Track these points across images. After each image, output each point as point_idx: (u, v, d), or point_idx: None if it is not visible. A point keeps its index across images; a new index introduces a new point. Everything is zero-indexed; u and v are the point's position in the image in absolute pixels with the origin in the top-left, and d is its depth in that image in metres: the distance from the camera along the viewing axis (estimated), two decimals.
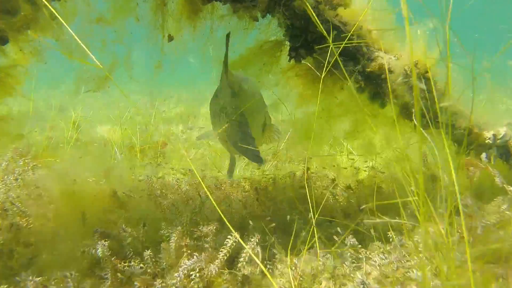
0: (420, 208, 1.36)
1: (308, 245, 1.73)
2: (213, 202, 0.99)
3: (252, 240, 1.71)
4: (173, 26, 2.02)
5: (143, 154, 3.75)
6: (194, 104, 7.24)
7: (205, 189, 1.14)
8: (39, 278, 1.51)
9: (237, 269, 1.69)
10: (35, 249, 1.94)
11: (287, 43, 2.04)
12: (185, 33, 2.08)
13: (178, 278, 1.52)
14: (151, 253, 1.67)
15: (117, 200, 2.45)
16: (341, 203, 2.57)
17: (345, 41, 1.78)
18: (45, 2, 1.27)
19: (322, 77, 1.62)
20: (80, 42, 1.02)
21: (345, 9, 1.85)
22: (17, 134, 2.00)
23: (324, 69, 1.69)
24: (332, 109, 2.60)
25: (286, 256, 1.90)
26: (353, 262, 1.85)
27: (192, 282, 1.54)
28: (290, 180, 2.67)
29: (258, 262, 1.32)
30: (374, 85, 2.12)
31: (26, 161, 2.84)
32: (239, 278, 1.65)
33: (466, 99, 2.22)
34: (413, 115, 2.20)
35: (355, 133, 2.69)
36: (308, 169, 2.73)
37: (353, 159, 2.74)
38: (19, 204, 2.16)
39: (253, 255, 1.43)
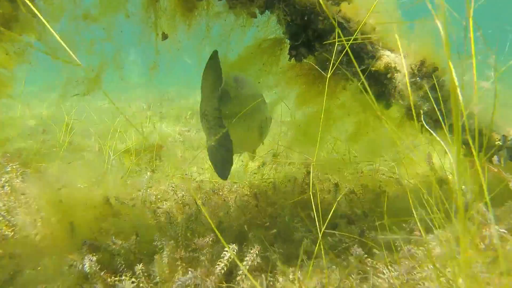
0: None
1: (313, 259, 1.62)
2: (207, 216, 0.88)
3: (252, 251, 1.60)
4: (166, 24, 1.91)
5: (138, 157, 3.63)
6: (193, 105, 7.12)
7: (197, 202, 1.02)
8: None
9: (236, 282, 1.58)
10: (20, 261, 1.82)
11: (287, 41, 1.93)
12: (180, 32, 1.98)
13: None
14: (143, 267, 1.56)
15: (110, 207, 2.33)
16: (345, 208, 2.46)
17: (351, 39, 1.68)
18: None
19: (328, 77, 1.51)
20: (60, 41, 0.90)
21: (349, 4, 1.74)
22: (3, 138, 1.88)
23: (330, 68, 1.58)
24: (334, 110, 2.49)
25: (288, 267, 1.79)
26: (360, 274, 1.74)
27: None
28: (290, 185, 2.56)
29: (256, 285, 1.21)
30: (379, 85, 2.01)
31: (14, 167, 2.72)
32: None
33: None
34: (419, 116, 2.10)
35: (358, 135, 2.59)
36: (309, 173, 2.62)
37: (357, 163, 2.63)
38: (5, 213, 2.04)
39: (250, 277, 1.32)
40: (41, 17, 0.85)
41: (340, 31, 1.83)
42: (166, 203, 2.63)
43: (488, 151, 2.16)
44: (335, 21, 1.65)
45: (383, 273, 1.66)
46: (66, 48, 0.91)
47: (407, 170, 2.76)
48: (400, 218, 2.30)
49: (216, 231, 0.92)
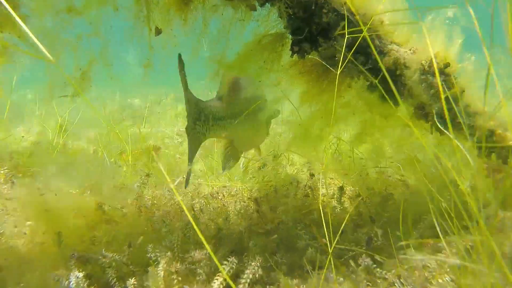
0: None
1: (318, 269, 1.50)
2: (199, 234, 0.76)
3: (253, 264, 1.48)
4: (160, 18, 1.79)
5: (134, 159, 3.51)
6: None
7: (188, 216, 0.90)
8: None
9: None
10: (6, 274, 1.70)
11: (289, 36, 1.80)
12: (176, 27, 1.85)
13: None
14: (135, 282, 1.44)
15: (102, 214, 2.21)
16: (350, 212, 2.34)
17: (362, 34, 1.55)
18: None
19: (338, 73, 1.39)
20: (32, 35, 0.78)
21: None
22: None
23: (340, 65, 1.46)
24: (337, 109, 2.37)
25: (292, 278, 1.68)
26: (368, 285, 1.62)
27: None
28: (293, 188, 2.43)
29: None
30: (387, 83, 1.88)
31: (2, 172, 2.60)
32: None
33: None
34: (428, 116, 1.98)
35: (363, 136, 2.46)
36: (312, 175, 2.50)
37: (364, 166, 2.51)
38: None
39: None
40: (12, 12, 0.73)
41: (346, 25, 1.71)
42: (163, 208, 2.51)
43: (503, 152, 2.04)
44: (344, 12, 1.52)
45: (395, 286, 1.54)
46: (39, 44, 0.79)
47: (414, 172, 2.64)
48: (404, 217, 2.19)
49: (209, 250, 0.80)
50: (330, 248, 1.19)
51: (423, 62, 1.80)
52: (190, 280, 1.44)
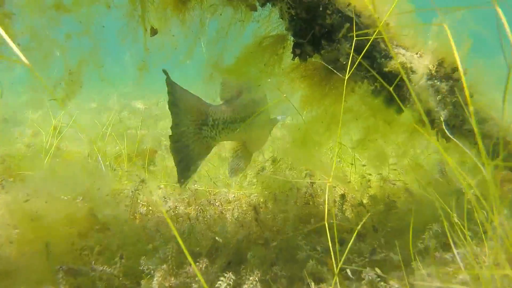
0: None
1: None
2: (187, 255, 0.68)
3: (251, 278, 1.40)
4: (157, 18, 1.71)
5: (130, 163, 3.43)
6: None
7: (175, 233, 0.82)
8: None
9: None
10: None
11: (291, 38, 1.73)
12: (174, 28, 1.78)
13: None
14: None
15: (95, 221, 2.13)
16: (352, 221, 2.26)
17: (372, 37, 1.48)
18: None
19: (342, 78, 1.31)
20: (6, 36, 0.70)
21: None
22: None
23: (348, 68, 1.38)
24: (339, 114, 2.29)
25: None
26: None
27: None
28: (293, 195, 2.35)
29: None
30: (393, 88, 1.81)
31: None
32: None
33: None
34: (434, 122, 1.90)
35: (366, 142, 2.39)
36: (312, 183, 2.42)
37: (370, 174, 2.43)
38: None
39: None
40: None
41: (350, 27, 1.64)
42: (158, 215, 2.43)
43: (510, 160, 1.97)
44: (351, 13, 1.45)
45: None
46: (13, 46, 0.71)
47: (417, 179, 2.57)
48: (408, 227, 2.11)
49: (196, 271, 0.72)
50: (336, 269, 1.10)
51: (430, 66, 1.73)
52: None
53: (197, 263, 1.44)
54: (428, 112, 1.86)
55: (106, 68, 1.75)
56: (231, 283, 1.31)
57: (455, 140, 1.68)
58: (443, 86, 1.73)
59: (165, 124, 5.65)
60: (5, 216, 2.00)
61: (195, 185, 2.66)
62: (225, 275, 1.33)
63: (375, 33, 1.45)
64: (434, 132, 1.97)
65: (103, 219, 2.15)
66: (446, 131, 1.68)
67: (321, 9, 1.58)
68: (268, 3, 1.56)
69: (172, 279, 1.39)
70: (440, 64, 1.74)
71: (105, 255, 1.86)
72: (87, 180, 2.54)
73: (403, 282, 1.62)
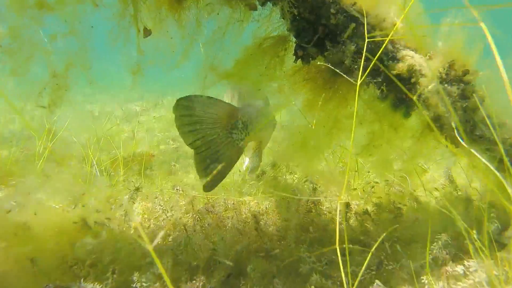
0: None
1: None
2: (167, 280, 0.59)
3: None
4: (151, 18, 1.61)
5: (126, 167, 3.33)
6: None
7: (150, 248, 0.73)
8: None
9: None
10: None
11: (292, 39, 1.63)
12: (170, 29, 1.68)
13: None
14: None
15: (88, 231, 2.03)
16: (356, 230, 2.16)
17: (386, 39, 1.38)
18: None
19: (358, 83, 1.21)
20: None
21: None
22: None
23: (360, 73, 1.28)
24: (342, 119, 2.20)
25: None
26: None
27: None
28: (294, 202, 2.26)
29: None
30: (400, 91, 1.72)
31: None
32: None
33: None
34: (445, 127, 1.81)
35: (371, 148, 2.29)
36: (315, 189, 2.32)
37: (377, 182, 2.34)
38: None
39: None
40: None
41: (355, 28, 1.55)
42: (154, 222, 2.33)
43: None
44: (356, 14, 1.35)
45: None
46: None
47: (425, 187, 2.48)
48: (415, 237, 2.03)
49: None
50: None
51: (440, 69, 1.64)
52: None
53: (194, 281, 1.35)
54: (436, 118, 1.77)
55: (102, 71, 1.66)
56: None
57: (465, 145, 1.58)
58: (454, 90, 1.64)
59: (163, 126, 5.55)
60: None
61: (194, 192, 2.57)
62: None
63: (390, 35, 1.35)
64: (443, 137, 1.88)
65: (96, 228, 2.05)
66: (457, 136, 1.59)
67: (325, 8, 1.48)
68: (268, 2, 1.46)
69: None
70: (451, 66, 1.65)
71: (97, 268, 1.77)
72: (80, 186, 2.45)
73: None
